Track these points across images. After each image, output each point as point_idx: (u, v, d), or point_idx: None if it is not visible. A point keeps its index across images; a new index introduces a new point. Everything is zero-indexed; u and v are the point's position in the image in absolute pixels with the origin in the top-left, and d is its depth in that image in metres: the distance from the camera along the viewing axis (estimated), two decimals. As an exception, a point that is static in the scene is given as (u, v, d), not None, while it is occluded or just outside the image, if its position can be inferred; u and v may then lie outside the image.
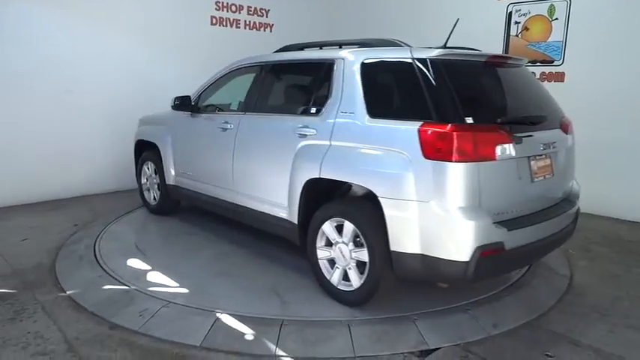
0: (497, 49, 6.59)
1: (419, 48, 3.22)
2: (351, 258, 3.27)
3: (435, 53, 3.08)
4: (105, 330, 3.05)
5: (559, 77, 6.09)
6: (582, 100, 5.86)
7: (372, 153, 3.14)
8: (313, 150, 3.47)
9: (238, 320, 3.12)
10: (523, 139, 3.05)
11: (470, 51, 3.39)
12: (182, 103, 4.85)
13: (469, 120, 2.88)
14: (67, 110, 6.06)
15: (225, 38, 7.42)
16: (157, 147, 5.29)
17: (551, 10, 6.11)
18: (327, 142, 3.39)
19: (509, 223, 2.94)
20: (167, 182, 5.23)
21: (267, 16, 8.06)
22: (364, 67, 3.38)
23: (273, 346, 2.87)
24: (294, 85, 4.36)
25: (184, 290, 3.56)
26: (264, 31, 8.04)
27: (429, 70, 3.03)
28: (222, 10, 7.50)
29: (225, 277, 3.84)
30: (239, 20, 7.71)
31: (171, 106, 4.95)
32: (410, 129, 2.93)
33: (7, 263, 4.07)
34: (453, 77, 3.03)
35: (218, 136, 4.41)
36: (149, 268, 3.95)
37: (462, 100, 2.97)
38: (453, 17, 7.32)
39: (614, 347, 2.91)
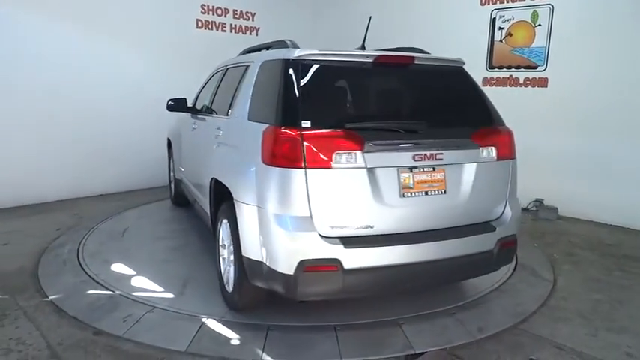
0: (482, 55, 6.68)
1: (301, 49, 3.02)
2: (230, 260, 3.26)
3: (297, 53, 2.94)
4: (89, 335, 3.01)
5: (542, 82, 6.19)
6: (565, 105, 5.98)
7: (236, 156, 3.17)
8: (219, 150, 3.56)
9: (224, 325, 3.11)
10: (389, 147, 2.80)
11: (355, 51, 3.14)
12: (175, 105, 4.91)
13: (306, 124, 2.68)
14: (49, 113, 5.96)
15: (211, 42, 7.39)
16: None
17: (535, 16, 6.20)
18: (226, 144, 3.48)
19: (352, 240, 2.69)
20: (175, 176, 5.70)
21: (252, 20, 8.05)
22: (260, 69, 3.33)
23: (259, 351, 2.86)
24: (229, 87, 4.23)
25: (169, 295, 3.52)
26: (250, 34, 8.02)
27: (287, 71, 2.91)
28: (208, 14, 7.47)
29: (161, 264, 4.17)
30: (225, 24, 7.68)
31: (166, 107, 4.99)
32: (257, 132, 2.84)
33: (-13, 268, 3.99)
34: (312, 79, 2.88)
35: (191, 136, 4.73)
36: (134, 272, 3.91)
37: (310, 103, 2.81)
38: (438, 22, 7.41)
39: (597, 350, 2.95)
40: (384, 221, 2.81)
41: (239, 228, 2.94)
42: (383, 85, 3.27)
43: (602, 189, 5.73)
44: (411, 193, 2.86)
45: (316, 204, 2.66)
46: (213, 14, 7.52)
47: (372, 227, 2.78)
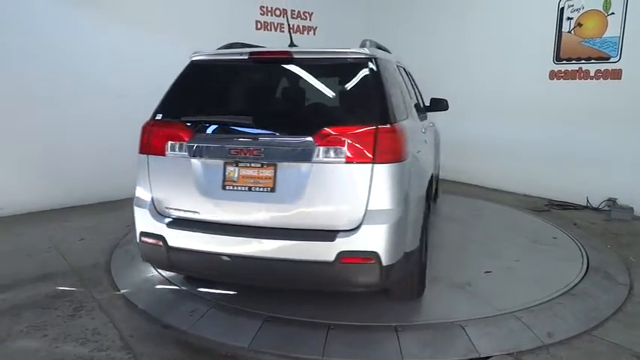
0: (548, 47, 6.38)
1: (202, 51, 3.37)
2: None
3: (196, 54, 3.32)
4: (157, 328, 3.15)
5: (615, 75, 5.82)
6: (642, 98, 5.60)
7: None
8: None
9: (285, 323, 3.15)
10: (212, 140, 2.98)
11: (237, 49, 3.30)
12: None
13: (158, 116, 3.15)
14: (117, 114, 6.25)
15: (269, 43, 7.46)
16: None
17: (607, 4, 5.84)
18: None
19: (174, 222, 3.00)
20: None
21: (310, 19, 8.11)
22: None
23: (320, 349, 2.87)
24: None
25: (232, 292, 3.61)
26: (308, 34, 8.09)
27: (183, 71, 3.31)
28: (267, 15, 7.61)
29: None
30: (283, 24, 7.78)
31: None
32: None
33: (66, 262, 4.26)
34: (189, 76, 3.27)
35: None
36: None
37: (173, 98, 3.21)
38: (501, 14, 7.15)
39: (681, 361, 2.75)
40: (208, 209, 2.97)
41: None
42: (249, 81, 3.40)
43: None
44: (234, 187, 2.92)
45: (155, 186, 3.10)
46: (271, 15, 7.65)
47: (197, 213, 2.99)
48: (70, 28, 5.84)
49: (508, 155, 7.04)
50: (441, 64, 7.74)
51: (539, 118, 6.61)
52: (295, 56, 3.09)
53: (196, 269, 3.23)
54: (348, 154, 2.75)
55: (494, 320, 3.17)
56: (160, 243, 3.00)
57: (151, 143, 3.11)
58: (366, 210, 2.75)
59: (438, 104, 4.97)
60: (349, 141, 2.75)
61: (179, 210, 3.04)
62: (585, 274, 3.89)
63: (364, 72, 3.01)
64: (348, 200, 2.79)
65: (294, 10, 7.89)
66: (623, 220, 5.55)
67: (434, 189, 5.53)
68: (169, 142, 3.04)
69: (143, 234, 3.11)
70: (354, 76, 3.05)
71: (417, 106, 4.62)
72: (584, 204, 6.16)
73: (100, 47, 6.09)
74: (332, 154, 2.76)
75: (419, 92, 5.16)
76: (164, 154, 3.05)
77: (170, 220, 3.03)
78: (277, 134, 2.91)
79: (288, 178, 2.83)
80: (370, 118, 2.83)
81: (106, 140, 6.22)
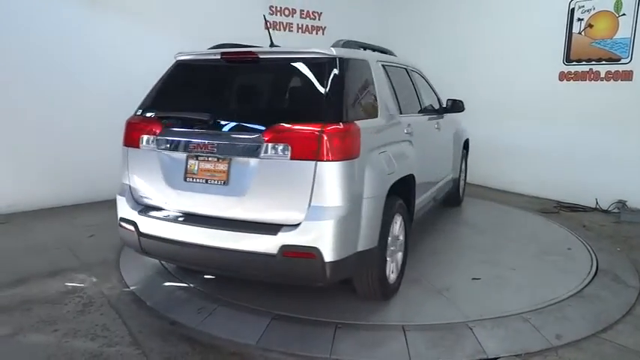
0: (558, 48, 6.35)
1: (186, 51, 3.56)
2: None
3: (181, 54, 3.54)
4: (165, 325, 3.16)
5: (627, 76, 5.79)
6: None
7: None
8: None
9: (293, 321, 3.16)
10: (176, 134, 3.16)
11: (211, 50, 3.44)
12: None
13: (138, 112, 3.41)
14: (122, 112, 6.23)
15: (278, 42, 7.49)
16: None
17: (618, 5, 5.81)
18: None
19: (145, 209, 3.25)
20: None
21: (319, 19, 8.11)
22: None
23: (328, 348, 2.88)
24: None
25: (240, 290, 3.62)
26: (317, 34, 8.09)
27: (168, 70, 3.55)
28: (276, 15, 7.61)
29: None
30: (292, 24, 7.80)
31: None
32: None
33: (76, 258, 4.30)
34: (172, 75, 3.50)
35: None
36: (206, 266, 4.06)
37: (153, 95, 3.46)
38: (510, 16, 7.11)
39: (691, 365, 2.72)
40: (171, 199, 3.19)
41: None
42: (219, 80, 3.52)
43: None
44: (193, 179, 3.10)
45: (132, 175, 3.36)
46: (280, 15, 7.66)
47: (163, 202, 3.23)
48: (76, 28, 5.88)
49: (515, 156, 7.01)
50: (449, 63, 7.72)
51: (548, 120, 6.58)
52: (261, 56, 3.20)
53: (162, 255, 3.50)
54: (293, 151, 2.80)
55: (502, 321, 3.16)
56: (133, 228, 3.25)
57: (130, 137, 3.36)
58: (309, 206, 2.79)
59: (453, 105, 4.99)
60: (294, 138, 2.82)
61: (149, 199, 3.29)
62: (594, 277, 3.88)
63: (323, 72, 3.03)
64: (291, 196, 2.86)
65: (303, 10, 7.89)
66: (633, 222, 5.52)
67: (446, 192, 5.43)
68: (144, 136, 3.27)
69: (121, 219, 3.37)
70: (313, 75, 3.08)
71: (426, 108, 4.60)
72: (594, 206, 6.13)
73: (109, 47, 6.11)
74: (278, 150, 2.84)
75: (434, 92, 5.14)
76: (139, 147, 3.30)
77: (141, 207, 3.29)
78: (232, 130, 3.07)
79: (240, 173, 2.97)
80: (320, 116, 2.88)
81: (111, 139, 6.22)
